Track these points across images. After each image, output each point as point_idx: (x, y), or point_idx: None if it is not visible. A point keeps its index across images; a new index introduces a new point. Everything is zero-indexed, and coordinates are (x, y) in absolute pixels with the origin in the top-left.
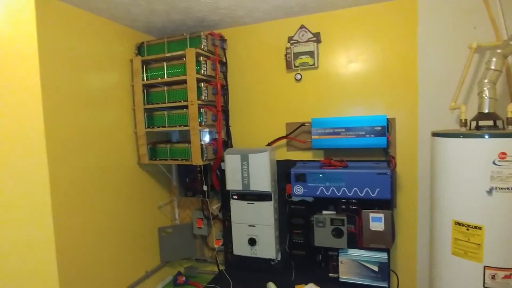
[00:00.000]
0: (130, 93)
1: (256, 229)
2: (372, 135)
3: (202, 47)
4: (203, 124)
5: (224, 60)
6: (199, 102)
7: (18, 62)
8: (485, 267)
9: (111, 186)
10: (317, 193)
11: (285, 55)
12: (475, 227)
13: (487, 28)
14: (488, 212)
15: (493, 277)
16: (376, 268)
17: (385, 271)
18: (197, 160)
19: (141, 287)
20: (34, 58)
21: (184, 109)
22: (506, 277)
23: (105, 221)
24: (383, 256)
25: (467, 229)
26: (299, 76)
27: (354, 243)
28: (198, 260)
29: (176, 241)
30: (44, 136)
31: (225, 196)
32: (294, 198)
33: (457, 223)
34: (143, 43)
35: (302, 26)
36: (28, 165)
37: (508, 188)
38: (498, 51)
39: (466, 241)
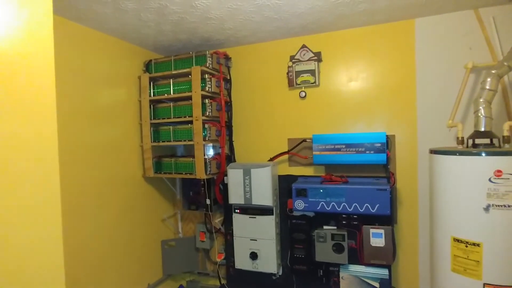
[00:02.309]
0: (138, 109)
1: (257, 243)
2: (372, 152)
3: (207, 65)
4: (207, 139)
5: (229, 78)
6: (204, 117)
7: (36, 79)
8: (484, 284)
9: (117, 198)
10: (318, 208)
11: (287, 73)
12: (474, 244)
13: (483, 49)
14: (486, 229)
15: None
16: (377, 285)
17: (386, 287)
18: (201, 174)
19: None
20: (51, 76)
21: (189, 124)
22: None
23: (110, 233)
24: (384, 272)
25: (466, 246)
26: (303, 94)
27: (355, 258)
28: (201, 273)
29: (179, 254)
30: (57, 148)
31: (228, 210)
32: (295, 213)
33: (456, 240)
34: (150, 60)
35: (304, 46)
36: (40, 175)
37: (504, 205)
38: (493, 71)
39: (465, 258)
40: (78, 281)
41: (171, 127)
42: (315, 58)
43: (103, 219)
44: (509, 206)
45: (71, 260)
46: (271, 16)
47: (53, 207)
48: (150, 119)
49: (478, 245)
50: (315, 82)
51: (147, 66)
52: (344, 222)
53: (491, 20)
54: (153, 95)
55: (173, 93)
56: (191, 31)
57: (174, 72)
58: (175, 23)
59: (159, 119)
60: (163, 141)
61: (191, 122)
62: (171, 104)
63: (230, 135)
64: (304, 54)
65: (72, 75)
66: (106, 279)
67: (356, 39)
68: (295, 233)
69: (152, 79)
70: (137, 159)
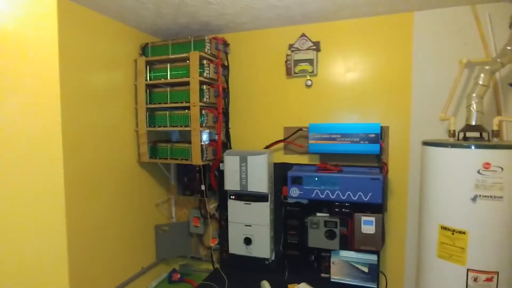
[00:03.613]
0: (133, 93)
1: (252, 229)
2: (366, 142)
3: (206, 51)
4: (204, 125)
5: (226, 64)
6: (201, 104)
7: (39, 58)
8: (468, 270)
9: (111, 183)
10: (312, 195)
11: (286, 62)
12: (460, 232)
13: (477, 45)
14: (472, 218)
15: (475, 279)
16: (366, 269)
17: (374, 272)
18: (197, 160)
19: (136, 283)
20: (55, 57)
21: (186, 110)
22: (487, 280)
23: (104, 217)
24: (373, 258)
25: (452, 234)
26: (309, 82)
27: (346, 244)
28: (193, 258)
29: (172, 239)
30: (61, 132)
31: (223, 196)
32: (290, 200)
33: (443, 227)
34: (147, 44)
35: (303, 35)
36: (43, 159)
37: (491, 196)
38: (487, 67)
39: (451, 245)
40: (72, 264)
41: (167, 112)
42: (314, 47)
43: (97, 204)
44: (495, 197)
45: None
46: (273, 4)
47: (56, 195)
48: (146, 104)
49: (464, 233)
50: (313, 71)
51: (144, 50)
52: (336, 209)
53: (486, 17)
54: (150, 79)
55: (170, 78)
56: (191, 15)
57: (171, 56)
58: (175, 6)
59: (155, 104)
60: (159, 126)
61: (188, 107)
62: (168, 89)
63: (226, 122)
64: (303, 43)
65: (66, 56)
66: (100, 263)
67: (355, 29)
68: (288, 219)
69: (149, 63)
70: (132, 144)
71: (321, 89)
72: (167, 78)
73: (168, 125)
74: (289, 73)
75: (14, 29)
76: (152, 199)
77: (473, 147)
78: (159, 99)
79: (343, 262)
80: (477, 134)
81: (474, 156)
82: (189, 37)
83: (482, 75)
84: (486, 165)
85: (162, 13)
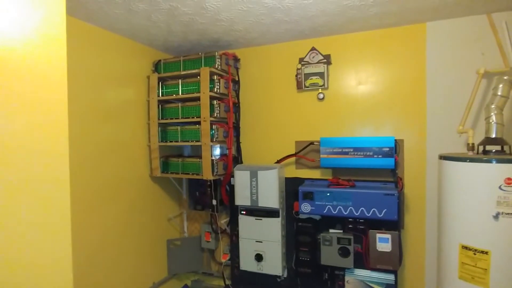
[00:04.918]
0: (146, 108)
1: (263, 245)
2: (380, 156)
3: (216, 66)
4: (214, 140)
5: (237, 79)
6: (212, 118)
7: (48, 80)
8: None
9: (124, 197)
10: (324, 211)
11: (296, 76)
12: (482, 252)
13: (495, 55)
14: (495, 237)
15: None
16: None
17: None
18: (207, 174)
19: None
20: (63, 78)
21: (197, 125)
22: None
23: (116, 232)
24: (390, 277)
25: (474, 254)
26: (321, 96)
27: (360, 263)
28: (205, 273)
29: (184, 254)
30: (68, 147)
31: (234, 211)
32: (302, 216)
33: (464, 247)
34: (160, 61)
35: (313, 48)
36: (50, 175)
37: None
38: (505, 77)
39: (473, 266)
40: (84, 278)
41: (178, 127)
42: (324, 60)
43: (110, 218)
44: None
45: (77, 258)
46: (281, 19)
47: (62, 210)
48: (158, 119)
49: (486, 253)
50: (323, 85)
51: (156, 66)
52: (350, 226)
53: (503, 25)
54: (162, 95)
55: (182, 93)
56: (201, 32)
57: (183, 72)
58: (185, 24)
59: (167, 119)
60: (170, 141)
61: (198, 122)
62: (179, 104)
63: (237, 136)
64: (313, 57)
65: (81, 74)
66: (112, 277)
67: (366, 42)
68: (300, 235)
69: (161, 79)
70: (144, 159)
71: (332, 103)
72: (179, 94)
73: (179, 140)
74: (299, 86)
75: (23, 50)
76: (164, 213)
77: (494, 161)
78: (170, 114)
79: (358, 281)
80: (497, 148)
81: (495, 171)
82: (200, 53)
83: (500, 85)
84: (508, 181)
85: (173, 31)
